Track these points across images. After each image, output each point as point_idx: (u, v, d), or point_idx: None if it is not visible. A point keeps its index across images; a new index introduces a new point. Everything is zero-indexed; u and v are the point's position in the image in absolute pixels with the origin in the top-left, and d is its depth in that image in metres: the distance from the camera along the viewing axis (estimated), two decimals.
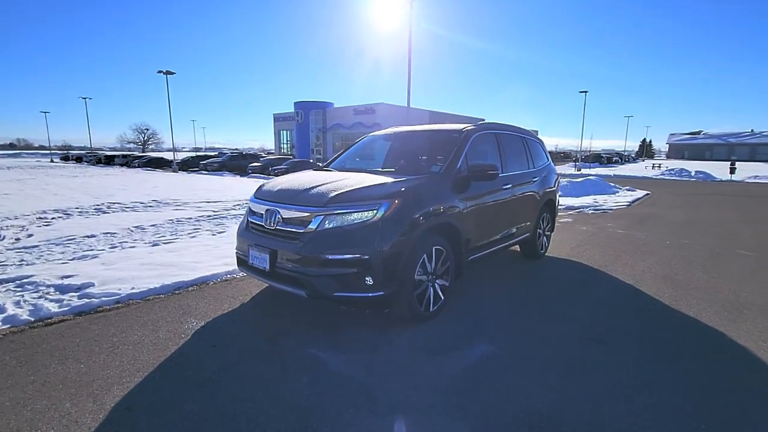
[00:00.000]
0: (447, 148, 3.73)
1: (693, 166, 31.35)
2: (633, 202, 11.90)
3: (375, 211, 2.77)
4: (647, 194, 14.27)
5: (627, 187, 16.17)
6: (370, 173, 3.54)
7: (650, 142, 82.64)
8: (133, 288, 3.68)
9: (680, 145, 74.08)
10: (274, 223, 3.05)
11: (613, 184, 15.63)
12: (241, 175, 24.22)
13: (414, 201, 2.98)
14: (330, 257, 2.71)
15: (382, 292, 2.72)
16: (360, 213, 2.78)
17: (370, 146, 4.70)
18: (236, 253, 3.43)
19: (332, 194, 2.91)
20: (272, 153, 50.24)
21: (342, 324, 3.11)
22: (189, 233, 6.40)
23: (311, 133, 42.53)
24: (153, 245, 5.49)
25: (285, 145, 49.00)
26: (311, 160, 30.36)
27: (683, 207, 10.94)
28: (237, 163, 28.60)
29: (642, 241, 6.35)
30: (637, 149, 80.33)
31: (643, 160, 62.95)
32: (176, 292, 3.75)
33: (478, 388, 2.30)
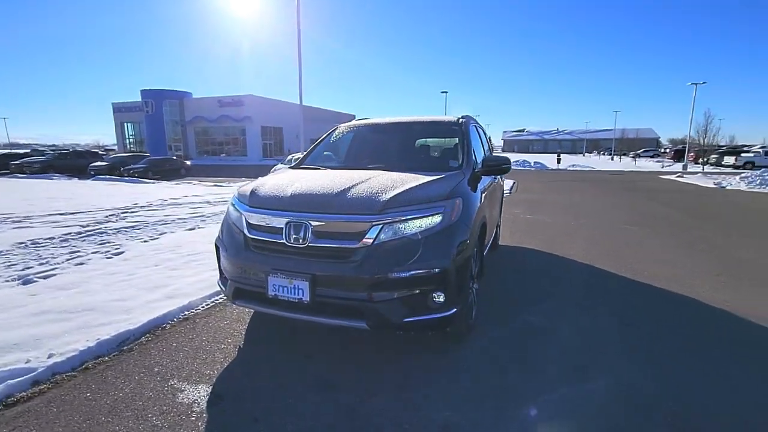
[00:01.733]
0: (452, 141, 3.48)
1: (530, 158, 37.79)
2: (510, 189, 13.68)
3: (440, 215, 2.35)
4: (514, 182, 16.59)
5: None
6: (383, 171, 3.03)
7: (490, 138, 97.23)
8: (51, 355, 2.42)
9: (512, 140, 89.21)
10: (304, 240, 2.34)
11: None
12: (81, 178, 19.37)
13: (469, 200, 2.66)
14: (397, 275, 2.19)
15: (455, 309, 2.33)
16: (425, 218, 2.32)
17: (352, 140, 4.10)
18: (233, 283, 2.55)
19: (387, 197, 2.36)
20: (113, 149, 41.82)
21: (388, 357, 2.61)
22: (68, 259, 4.69)
23: (166, 126, 36.74)
24: (24, 283, 3.81)
25: (130, 140, 41.28)
26: (174, 157, 26.22)
27: (553, 192, 13.03)
28: (70, 163, 22.85)
29: (557, 225, 7.26)
30: None
31: None
32: (123, 349, 2.62)
33: None
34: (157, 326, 2.94)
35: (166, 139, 36.78)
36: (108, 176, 19.54)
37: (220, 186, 15.46)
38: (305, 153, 3.93)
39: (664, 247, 5.64)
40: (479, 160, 3.49)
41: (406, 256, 2.22)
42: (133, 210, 8.64)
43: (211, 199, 10.60)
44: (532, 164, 31.03)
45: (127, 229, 6.48)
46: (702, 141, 36.37)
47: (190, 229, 6.54)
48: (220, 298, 3.52)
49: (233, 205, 2.80)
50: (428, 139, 4.00)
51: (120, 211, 8.38)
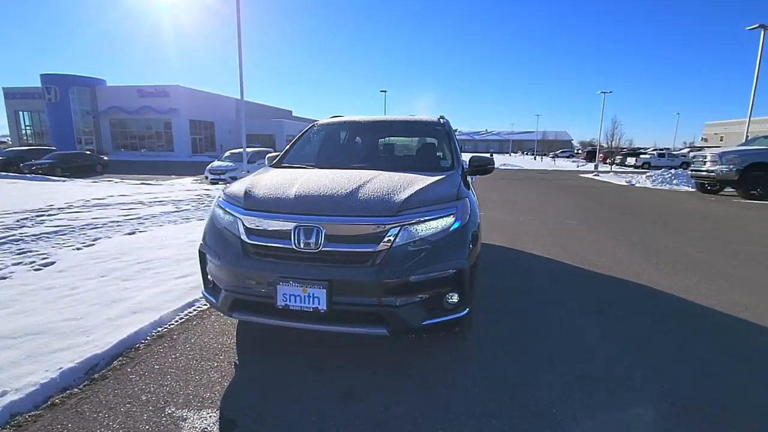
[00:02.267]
0: (437, 142, 3.49)
1: (466, 156, 39.63)
2: None
3: (452, 216, 2.34)
4: None
5: None
6: (378, 171, 2.94)
7: None
8: (4, 392, 1.99)
9: None
10: (316, 244, 2.18)
11: None
12: None
13: (472, 200, 2.68)
14: (418, 278, 2.14)
15: (468, 309, 2.34)
16: (439, 219, 2.29)
17: (332, 138, 3.93)
18: (230, 294, 2.30)
19: (401, 198, 2.29)
20: (4, 142, 36.10)
21: (396, 359, 2.55)
22: None
23: (74, 116, 32.49)
24: None
25: (27, 131, 35.87)
26: (87, 152, 23.30)
27: (495, 190, 13.77)
28: None
29: (508, 222, 7.69)
30: None
31: None
32: (94, 377, 2.24)
33: None
34: (130, 347, 2.57)
35: (74, 132, 32.52)
36: (3, 173, 16.76)
37: (149, 184, 14.07)
38: (284, 151, 3.70)
39: (603, 238, 6.25)
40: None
41: (424, 259, 2.18)
42: (50, 212, 7.50)
43: (145, 200, 9.59)
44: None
45: (49, 235, 5.60)
46: (609, 144, 41.09)
47: (130, 233, 5.85)
48: (195, 311, 3.19)
49: (221, 207, 2.54)
50: (412, 139, 3.98)
51: (34, 214, 7.23)
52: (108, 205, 8.58)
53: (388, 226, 2.17)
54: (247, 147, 16.28)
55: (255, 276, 2.24)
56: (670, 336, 2.90)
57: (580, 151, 60.01)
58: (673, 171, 17.30)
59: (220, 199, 2.63)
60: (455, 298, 2.26)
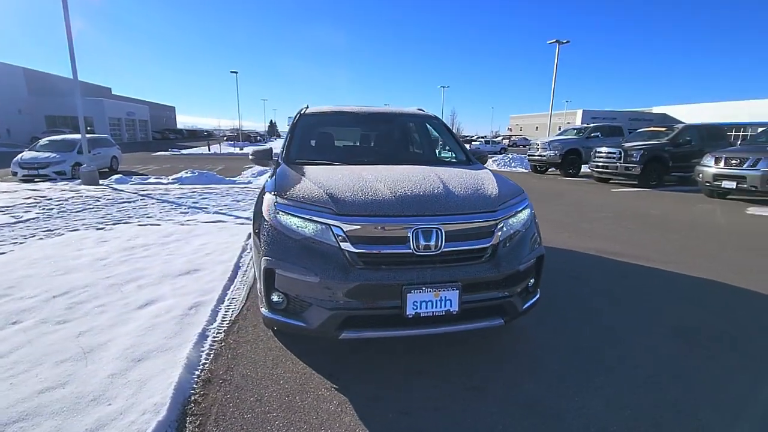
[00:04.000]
0: (438, 135, 3.61)
1: None
2: None
3: (528, 207, 2.55)
4: None
5: None
6: (417, 165, 2.93)
7: (276, 123, 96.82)
8: None
9: None
10: (437, 246, 2.09)
11: None
12: None
13: None
14: (522, 267, 2.28)
15: (539, 293, 2.60)
16: (523, 211, 2.46)
17: (330, 130, 3.56)
18: (340, 312, 2.00)
19: (496, 193, 2.38)
20: None
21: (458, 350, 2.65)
22: None
23: None
24: None
25: None
26: None
27: None
28: None
29: None
30: (266, 129, 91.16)
31: (274, 140, 72.65)
32: None
33: None
34: (184, 402, 1.99)
35: None
36: None
37: None
38: (287, 144, 3.25)
39: None
40: None
41: (523, 248, 2.35)
42: None
43: None
44: None
45: None
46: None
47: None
48: (215, 343, 2.61)
49: (292, 214, 2.18)
50: (417, 132, 3.97)
51: None
52: None
53: (496, 221, 2.25)
54: (56, 134, 12.62)
55: (376, 289, 2.02)
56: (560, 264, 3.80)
57: None
58: (511, 156, 21.14)
59: (282, 204, 2.24)
60: (532, 281, 2.50)
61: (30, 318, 2.84)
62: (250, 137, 47.91)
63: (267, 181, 2.86)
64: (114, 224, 5.98)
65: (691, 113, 50.06)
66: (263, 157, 3.26)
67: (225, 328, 2.84)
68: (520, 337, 2.77)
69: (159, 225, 5.98)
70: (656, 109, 61.62)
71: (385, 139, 3.70)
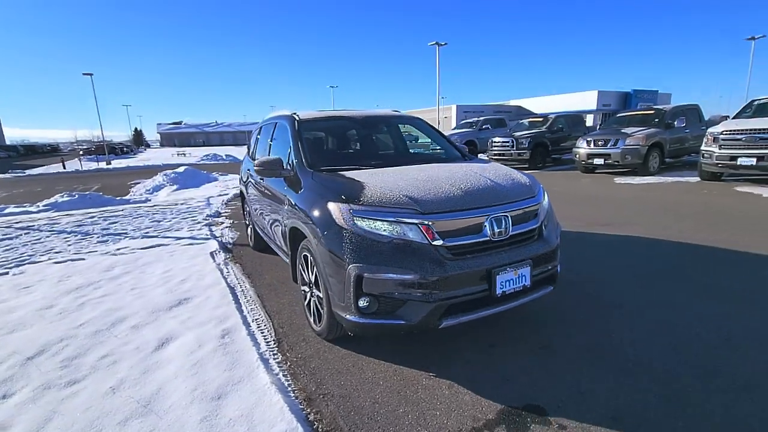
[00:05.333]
0: (425, 134, 3.89)
1: (219, 150, 36.71)
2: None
3: (545, 191, 2.97)
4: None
5: (221, 172, 17.73)
6: (434, 162, 3.18)
7: (141, 131, 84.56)
8: None
9: (170, 134, 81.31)
10: (505, 231, 2.36)
11: (206, 172, 16.60)
12: None
13: None
14: (558, 242, 2.71)
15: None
16: (545, 196, 2.86)
17: (336, 136, 3.50)
18: (441, 304, 2.14)
19: (526, 181, 2.75)
20: None
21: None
22: None
23: None
24: None
25: None
26: None
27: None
28: None
29: None
30: (131, 138, 79.05)
31: (144, 150, 64.18)
32: None
33: None
34: (309, 422, 1.91)
35: None
36: None
37: None
38: (299, 152, 3.14)
39: None
40: None
41: (553, 226, 2.79)
42: None
43: None
44: (225, 157, 30.62)
45: None
46: None
47: None
48: (284, 366, 2.48)
49: (376, 219, 2.24)
50: (410, 133, 4.11)
51: None
52: None
53: (538, 204, 2.64)
54: None
55: (470, 275, 2.22)
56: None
57: None
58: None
59: (360, 210, 2.28)
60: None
61: (23, 388, 2.29)
62: (115, 149, 41.40)
63: (302, 192, 2.80)
64: (18, 266, 4.85)
65: (538, 104, 59.56)
66: (273, 168, 3.11)
67: (275, 347, 2.70)
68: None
69: (84, 259, 5.05)
70: (513, 102, 71.67)
71: (391, 142, 3.83)
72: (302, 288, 2.96)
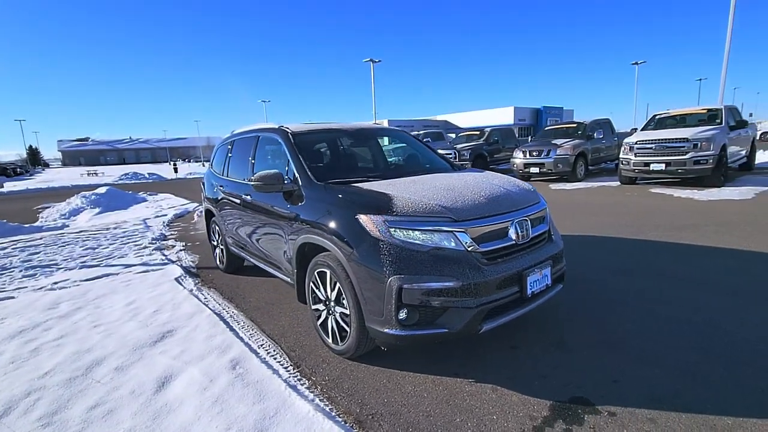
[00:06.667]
0: (413, 145, 3.97)
1: (141, 168, 33.42)
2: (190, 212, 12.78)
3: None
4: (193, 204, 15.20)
5: (149, 192, 16.23)
6: (435, 173, 3.24)
7: (38, 149, 73.57)
8: None
9: (74, 152, 72.22)
10: (526, 234, 2.47)
11: (131, 192, 15.12)
12: None
13: None
14: (563, 243, 2.90)
15: None
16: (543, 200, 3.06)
17: (333, 148, 3.34)
18: (482, 308, 2.15)
19: (532, 187, 2.92)
20: None
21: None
22: None
23: None
24: None
25: None
26: None
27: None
28: None
29: None
30: (25, 158, 68.40)
31: (43, 170, 56.50)
32: None
33: None
34: None
35: None
36: None
37: None
38: (303, 167, 2.99)
39: None
40: None
41: (557, 231, 2.97)
42: None
43: None
44: (147, 176, 28.04)
45: None
46: None
47: None
48: (316, 391, 2.32)
49: (411, 229, 2.24)
50: (399, 145, 4.09)
51: None
52: None
53: (545, 209, 2.81)
54: None
55: (506, 278, 2.27)
56: None
57: None
58: None
59: (395, 221, 2.25)
60: None
61: None
62: (6, 170, 35.83)
63: (314, 206, 2.69)
64: None
65: (462, 119, 63.37)
66: (274, 182, 2.94)
67: (296, 373, 2.52)
68: None
69: (14, 297, 4.28)
70: (439, 117, 75.53)
71: (380, 153, 3.81)
72: (314, 307, 2.81)
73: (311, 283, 2.77)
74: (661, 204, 7.51)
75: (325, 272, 2.58)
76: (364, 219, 2.32)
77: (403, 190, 2.55)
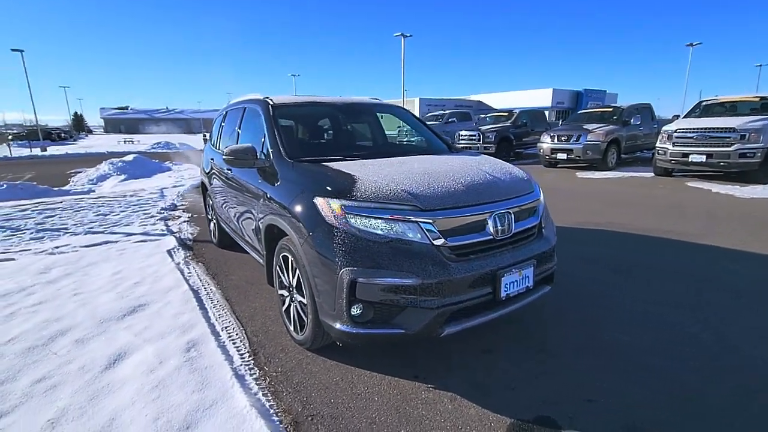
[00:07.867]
0: (409, 123, 3.66)
1: (172, 138, 34.43)
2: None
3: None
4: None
5: (175, 162, 16.63)
6: (421, 155, 2.95)
7: (82, 115, 77.22)
8: None
9: (115, 119, 75.34)
10: (509, 229, 2.19)
11: (158, 161, 15.47)
12: None
13: None
14: (555, 240, 2.58)
15: None
16: (540, 190, 2.72)
17: (315, 124, 3.14)
18: (445, 309, 1.92)
19: (525, 175, 2.59)
20: None
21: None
22: None
23: None
24: None
25: None
26: None
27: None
28: None
29: None
30: (70, 123, 71.93)
31: (86, 136, 59.21)
32: None
33: None
34: None
35: None
36: None
37: None
38: (275, 142, 2.78)
39: None
40: None
41: (551, 224, 2.65)
42: None
43: None
44: (179, 145, 28.80)
45: None
46: None
47: None
48: (262, 384, 2.18)
49: (375, 217, 1.98)
50: (394, 122, 3.83)
51: None
52: None
53: (537, 200, 2.49)
54: None
55: (475, 278, 2.02)
56: None
57: None
58: None
59: (353, 206, 2.01)
60: None
61: None
62: (51, 135, 37.73)
63: (280, 184, 2.48)
64: None
65: (497, 100, 60.97)
66: (245, 157, 2.75)
67: (250, 361, 2.39)
68: None
69: (14, 259, 4.39)
70: (473, 97, 72.99)
71: (374, 131, 3.55)
72: (280, 292, 2.65)
73: (277, 267, 2.61)
74: (696, 199, 6.85)
75: (288, 257, 2.40)
76: (320, 202, 2.10)
77: (372, 173, 2.30)
